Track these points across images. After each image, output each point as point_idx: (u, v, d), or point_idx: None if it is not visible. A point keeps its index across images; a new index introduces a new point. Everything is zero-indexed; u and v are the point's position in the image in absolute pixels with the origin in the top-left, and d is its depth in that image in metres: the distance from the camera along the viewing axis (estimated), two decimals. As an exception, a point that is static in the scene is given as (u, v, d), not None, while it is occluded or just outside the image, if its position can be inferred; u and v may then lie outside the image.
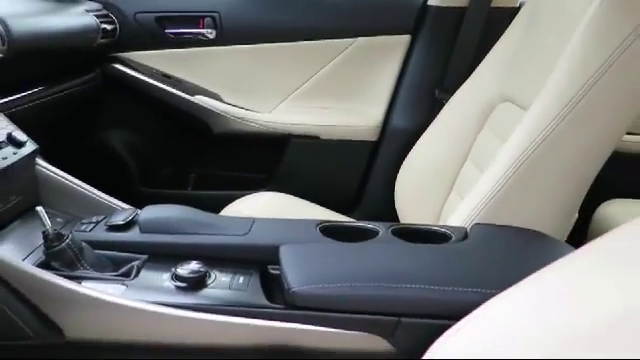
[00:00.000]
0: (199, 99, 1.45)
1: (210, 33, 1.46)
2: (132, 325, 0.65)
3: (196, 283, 0.68)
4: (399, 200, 1.31)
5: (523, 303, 0.47)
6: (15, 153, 0.84)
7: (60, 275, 0.66)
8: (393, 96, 1.46)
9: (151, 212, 0.80)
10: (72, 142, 1.45)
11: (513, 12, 1.16)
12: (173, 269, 0.69)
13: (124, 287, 0.68)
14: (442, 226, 0.81)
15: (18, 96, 1.11)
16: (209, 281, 0.69)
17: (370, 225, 0.81)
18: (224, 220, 0.83)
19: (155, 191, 1.52)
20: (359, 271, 0.67)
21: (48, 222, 0.70)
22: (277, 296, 0.68)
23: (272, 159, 1.48)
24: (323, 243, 0.75)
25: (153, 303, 0.64)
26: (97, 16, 1.32)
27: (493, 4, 1.32)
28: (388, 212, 1.32)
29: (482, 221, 0.80)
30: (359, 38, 1.44)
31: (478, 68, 1.19)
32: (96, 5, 1.39)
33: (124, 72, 1.45)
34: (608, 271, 0.45)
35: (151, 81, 1.45)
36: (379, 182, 1.44)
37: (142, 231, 0.77)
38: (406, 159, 1.30)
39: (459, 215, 0.84)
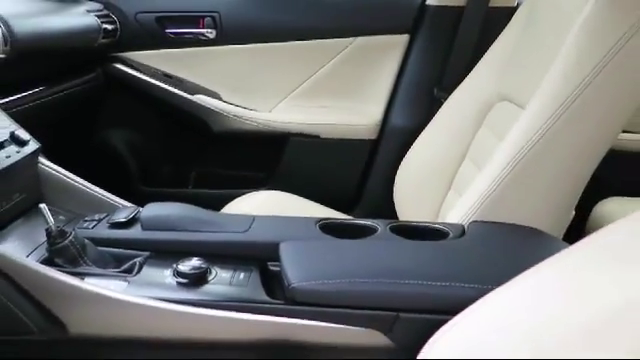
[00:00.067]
0: (199, 98, 1.46)
1: (210, 33, 1.47)
2: (134, 320, 0.65)
3: (197, 279, 0.68)
4: (398, 198, 1.32)
5: (519, 298, 0.48)
6: (18, 152, 0.85)
7: (63, 271, 0.67)
8: (392, 95, 1.46)
9: (152, 210, 0.81)
10: (73, 141, 1.46)
11: (511, 11, 1.17)
12: (174, 265, 0.70)
13: (126, 283, 0.69)
14: (440, 223, 0.82)
15: (20, 96, 1.12)
16: (210, 277, 0.70)
17: (369, 222, 0.81)
18: (225, 217, 0.84)
19: (156, 190, 1.53)
20: (358, 267, 0.68)
21: (51, 219, 0.71)
22: (277, 292, 0.69)
23: (272, 158, 1.49)
24: (322, 240, 0.76)
25: (155, 299, 0.65)
26: (98, 16, 1.33)
27: (491, 4, 1.33)
28: (387, 210, 1.32)
29: (479, 218, 0.81)
30: (358, 37, 1.45)
31: (476, 67, 1.20)
32: (97, 5, 1.40)
33: (125, 72, 1.46)
34: (603, 266, 0.45)
35: (152, 81, 1.46)
36: (378, 180, 1.44)
37: (144, 228, 0.78)
38: (405, 157, 1.31)
39: (457, 212, 0.85)
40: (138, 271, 0.72)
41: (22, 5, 1.13)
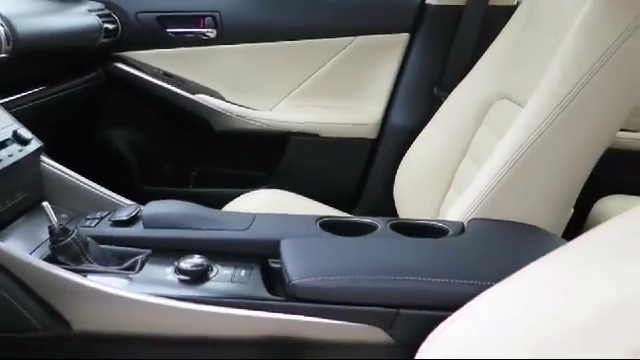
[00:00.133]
0: (200, 98, 1.46)
1: (211, 32, 1.47)
2: (136, 317, 0.66)
3: (199, 276, 0.69)
4: (398, 197, 1.32)
5: (517, 295, 0.48)
6: (21, 150, 0.85)
7: (66, 269, 0.67)
8: (392, 94, 1.47)
9: (154, 208, 0.81)
10: (74, 140, 1.46)
11: (510, 10, 1.18)
12: (176, 263, 0.70)
13: (128, 281, 0.70)
14: (439, 221, 0.82)
15: (22, 95, 1.12)
16: (211, 274, 0.70)
17: (369, 220, 0.82)
18: (226, 215, 0.85)
19: (157, 189, 1.54)
20: (358, 264, 0.68)
21: (54, 217, 0.72)
22: (278, 289, 0.70)
23: (272, 157, 1.50)
24: (323, 237, 0.77)
25: (157, 296, 0.66)
26: (99, 16, 1.34)
27: (491, 2, 1.33)
28: (388, 209, 1.33)
29: (479, 216, 0.81)
30: (358, 37, 1.46)
31: (476, 66, 1.20)
32: (98, 5, 1.40)
33: (126, 71, 1.46)
34: (600, 262, 0.46)
35: (153, 80, 1.46)
36: (378, 179, 1.45)
37: (146, 226, 0.79)
38: (405, 156, 1.31)
39: (456, 210, 0.86)
40: (140, 268, 0.73)
41: (24, 5, 1.14)
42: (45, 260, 0.71)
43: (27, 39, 1.03)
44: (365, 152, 1.48)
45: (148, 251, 0.76)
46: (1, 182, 0.80)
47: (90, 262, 0.72)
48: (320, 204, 1.33)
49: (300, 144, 1.47)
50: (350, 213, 1.37)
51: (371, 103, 1.48)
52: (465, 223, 0.81)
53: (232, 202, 1.29)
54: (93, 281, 0.66)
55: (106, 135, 1.54)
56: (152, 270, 0.72)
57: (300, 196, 1.34)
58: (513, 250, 0.75)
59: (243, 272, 0.72)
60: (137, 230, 0.79)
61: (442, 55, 1.39)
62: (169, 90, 1.46)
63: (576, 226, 1.00)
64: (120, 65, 1.46)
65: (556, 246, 0.49)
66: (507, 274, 0.49)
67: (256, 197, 1.32)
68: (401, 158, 1.32)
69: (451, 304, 0.50)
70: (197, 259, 0.70)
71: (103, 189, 0.94)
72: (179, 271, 0.70)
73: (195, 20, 1.47)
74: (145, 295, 0.65)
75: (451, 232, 0.78)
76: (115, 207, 0.87)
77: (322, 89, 1.49)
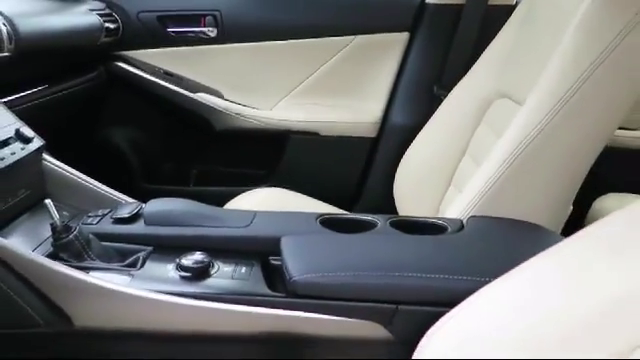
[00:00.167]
0: (201, 96, 1.47)
1: (211, 31, 1.48)
2: (138, 313, 0.67)
3: (200, 273, 0.70)
4: (398, 195, 1.33)
5: (515, 290, 0.49)
6: (23, 149, 0.86)
7: (68, 266, 0.68)
8: (392, 93, 1.47)
9: (155, 205, 0.82)
10: (76, 139, 1.47)
11: (510, 9, 1.18)
12: (177, 260, 0.71)
13: (130, 277, 0.70)
14: (439, 218, 0.83)
15: (24, 94, 1.13)
16: (212, 271, 0.71)
17: (369, 217, 0.83)
18: (226, 213, 0.85)
19: (157, 187, 1.54)
20: (358, 260, 0.69)
21: (56, 214, 0.72)
22: (278, 286, 0.70)
23: (273, 155, 1.50)
24: (323, 234, 0.77)
25: (158, 292, 0.66)
26: (100, 15, 1.34)
27: (490, 2, 1.33)
28: (388, 207, 1.33)
29: (478, 214, 0.82)
30: (358, 36, 1.46)
31: (475, 65, 1.21)
32: (99, 4, 1.41)
33: (127, 70, 1.47)
34: (599, 257, 0.46)
35: (153, 79, 1.47)
36: (378, 178, 1.45)
37: (147, 223, 0.79)
38: (405, 155, 1.32)
39: (456, 208, 0.86)
40: (141, 265, 0.73)
41: (26, 4, 1.14)
42: (47, 257, 0.71)
43: (29, 38, 1.04)
44: (365, 151, 1.49)
45: (149, 248, 0.76)
46: (4, 180, 0.81)
47: (92, 259, 0.73)
48: (320, 202, 1.34)
49: (300, 143, 1.47)
50: (350, 211, 1.37)
51: (371, 102, 1.48)
52: (464, 220, 0.81)
53: (233, 200, 1.29)
54: (95, 277, 0.67)
55: (107, 134, 1.55)
56: (153, 267, 0.72)
57: (300, 194, 1.35)
58: (512, 247, 0.75)
59: (244, 269, 0.72)
60: (138, 227, 0.79)
61: (442, 54, 1.39)
62: (170, 89, 1.46)
63: (575, 225, 1.00)
64: (121, 64, 1.47)
65: (555, 243, 0.50)
66: (506, 270, 0.50)
67: (256, 195, 1.33)
68: (401, 156, 1.33)
69: (450, 300, 0.51)
70: (198, 256, 0.71)
71: (105, 187, 0.95)
72: (180, 268, 0.70)
73: (196, 19, 1.48)
74: (146, 291, 0.66)
75: (450, 229, 0.79)
76: (116, 205, 0.88)
77: (322, 88, 1.50)
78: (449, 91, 1.25)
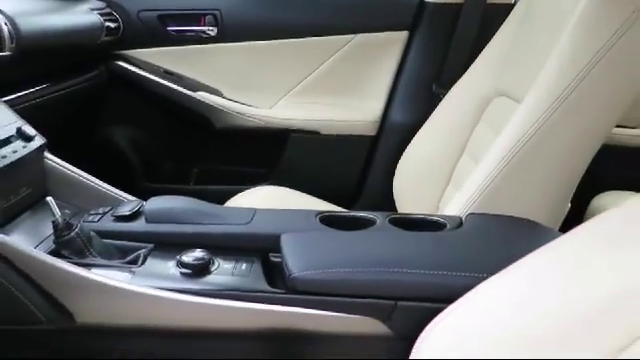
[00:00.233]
0: (201, 95, 1.47)
1: (211, 30, 1.48)
2: (139, 309, 0.67)
3: (200, 270, 0.70)
4: (398, 193, 1.33)
5: (513, 286, 0.49)
6: (24, 147, 0.86)
7: (70, 262, 0.68)
8: (391, 91, 1.48)
9: (156, 203, 0.82)
10: (76, 138, 1.47)
11: (508, 8, 1.19)
12: (178, 257, 0.71)
13: (131, 274, 0.71)
14: (438, 215, 0.83)
15: (25, 92, 1.13)
16: (213, 268, 0.71)
17: (368, 215, 0.83)
18: (227, 210, 0.86)
19: (158, 186, 1.55)
20: (357, 257, 0.69)
21: (58, 212, 0.73)
22: (278, 283, 0.70)
23: (273, 154, 1.51)
24: (323, 231, 0.78)
25: (159, 288, 0.67)
26: (101, 14, 1.35)
27: (489, 0, 1.34)
28: (387, 205, 1.34)
29: (476, 211, 0.82)
30: (358, 35, 1.47)
31: (474, 63, 1.21)
32: (100, 4, 1.42)
33: (127, 69, 1.47)
34: (596, 252, 0.47)
35: (154, 78, 1.47)
36: (378, 176, 1.46)
37: (148, 221, 0.80)
38: (404, 153, 1.32)
39: (454, 205, 0.87)
40: (143, 262, 0.73)
41: (27, 3, 1.15)
42: (49, 254, 0.71)
43: (30, 37, 1.04)
44: (365, 149, 1.49)
45: (150, 245, 0.77)
46: (6, 178, 0.81)
47: (93, 256, 0.73)
48: (320, 200, 1.34)
49: (300, 141, 1.48)
50: (350, 209, 1.38)
51: (371, 100, 1.49)
52: (463, 217, 0.81)
53: (233, 199, 1.30)
54: (97, 274, 0.67)
55: (108, 132, 1.55)
56: (154, 264, 0.73)
57: (300, 193, 1.35)
58: (510, 243, 0.76)
59: (244, 266, 0.73)
60: (139, 225, 0.80)
61: (441, 53, 1.40)
62: (170, 88, 1.47)
63: (573, 223, 1.01)
64: (121, 63, 1.47)
65: (553, 239, 0.50)
66: (504, 267, 0.50)
67: (257, 194, 1.33)
68: (400, 155, 1.33)
69: (448, 296, 0.51)
70: (199, 253, 0.71)
71: (106, 185, 0.95)
72: (181, 265, 0.70)
73: (196, 18, 1.48)
74: (148, 288, 0.66)
75: (449, 226, 0.79)
76: (117, 202, 0.88)
77: (322, 87, 1.50)
78: (448, 89, 1.26)
